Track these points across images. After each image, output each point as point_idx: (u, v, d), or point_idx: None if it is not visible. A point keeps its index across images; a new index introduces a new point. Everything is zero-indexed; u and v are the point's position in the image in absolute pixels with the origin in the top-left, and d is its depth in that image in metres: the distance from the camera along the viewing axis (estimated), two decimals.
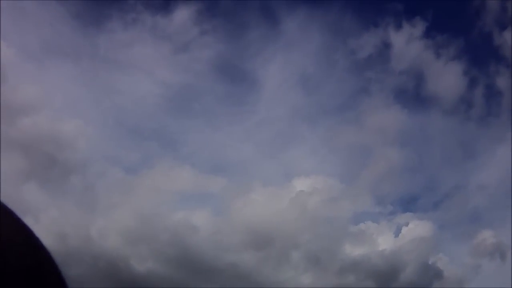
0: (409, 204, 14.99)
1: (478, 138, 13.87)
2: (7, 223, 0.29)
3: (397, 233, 10.70)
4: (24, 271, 0.28)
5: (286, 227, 10.67)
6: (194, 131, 13.76)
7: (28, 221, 1.22)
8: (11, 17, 12.93)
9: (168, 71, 13.02)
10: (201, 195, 13.16)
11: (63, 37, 13.16)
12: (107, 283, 9.10)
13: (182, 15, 11.79)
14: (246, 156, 13.76)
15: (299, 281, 10.10)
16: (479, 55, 13.60)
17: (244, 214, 10.66)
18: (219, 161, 14.14)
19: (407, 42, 11.66)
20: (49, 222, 9.37)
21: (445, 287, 10.00)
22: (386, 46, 11.96)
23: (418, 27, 11.66)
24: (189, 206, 13.52)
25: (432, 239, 10.79)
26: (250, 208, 10.74)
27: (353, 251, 10.53)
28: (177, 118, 13.53)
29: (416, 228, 10.68)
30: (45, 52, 13.58)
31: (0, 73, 8.80)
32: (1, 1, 10.16)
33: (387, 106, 12.34)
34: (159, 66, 13.20)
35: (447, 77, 12.09)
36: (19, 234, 0.29)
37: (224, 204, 12.75)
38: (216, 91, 13.50)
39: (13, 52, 11.23)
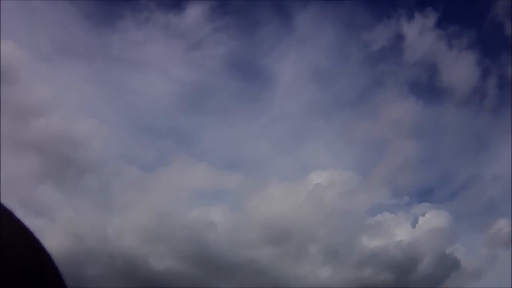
0: (425, 195, 14.89)
1: (492, 129, 13.75)
2: (8, 224, 0.30)
3: (414, 223, 10.73)
4: (24, 272, 0.28)
5: (303, 222, 10.71)
6: (209, 128, 13.81)
7: (44, 221, 1.21)
8: (22, 18, 13.09)
9: (182, 69, 13.10)
10: (217, 192, 13.23)
11: (76, 37, 13.26)
12: (125, 282, 9.19)
13: (194, 12, 11.83)
14: (262, 152, 13.80)
15: (317, 275, 10.15)
16: (492, 46, 13.55)
17: (261, 209, 10.73)
18: (235, 158, 14.19)
19: (419, 34, 11.63)
20: (65, 222, 9.47)
21: (462, 277, 10.04)
22: (399, 38, 11.95)
23: (430, 18, 11.62)
24: (206, 203, 13.59)
25: (449, 230, 10.79)
26: (267, 203, 10.80)
27: (371, 243, 10.56)
28: (192, 115, 13.58)
29: (432, 219, 10.69)
30: (58, 53, 13.70)
31: (0, 73, 8.85)
32: (13, 1, 10.28)
33: (401, 99, 12.35)
34: (172, 64, 13.28)
35: (460, 68, 12.05)
36: (19, 235, 0.30)
37: (241, 200, 12.81)
38: (230, 88, 13.56)
39: (25, 53, 11.35)
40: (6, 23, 12.43)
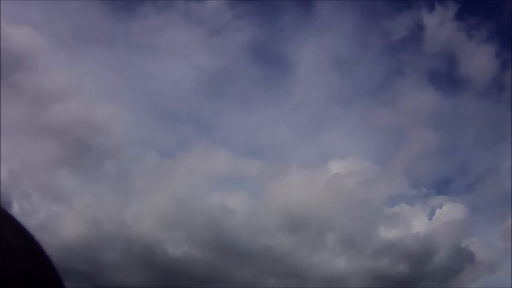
0: (442, 186, 14.91)
1: (510, 121, 13.70)
2: (7, 227, 0.31)
3: (431, 215, 10.73)
4: (23, 275, 0.29)
5: (322, 210, 10.75)
6: (229, 115, 13.89)
7: (62, 207, 1.38)
8: (41, 4, 13.24)
9: (203, 56, 13.15)
10: (236, 178, 13.30)
11: (95, 23, 13.39)
12: (142, 268, 9.36)
13: None
14: (281, 139, 13.85)
15: (334, 264, 10.20)
16: (511, 38, 13.50)
17: (280, 197, 10.77)
18: (255, 144, 14.27)
19: (439, 24, 11.65)
20: (83, 208, 9.64)
21: (476, 270, 10.07)
22: (419, 28, 11.95)
23: (450, 9, 11.57)
24: (225, 189, 13.70)
25: (465, 222, 10.78)
26: (286, 191, 10.84)
27: (388, 233, 10.57)
28: (212, 101, 13.69)
29: (449, 211, 10.68)
30: (77, 39, 13.85)
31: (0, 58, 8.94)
32: None
33: (420, 88, 12.28)
34: (193, 50, 13.36)
35: (479, 59, 12.01)
36: (19, 238, 0.31)
37: (260, 187, 12.90)
38: (251, 75, 13.62)
39: (44, 40, 11.50)
40: (25, 9, 12.66)
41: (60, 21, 13.43)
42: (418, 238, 10.25)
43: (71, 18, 13.45)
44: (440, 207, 10.74)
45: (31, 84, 10.24)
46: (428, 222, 10.56)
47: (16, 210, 8.70)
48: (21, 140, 10.53)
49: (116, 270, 9.01)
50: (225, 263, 9.91)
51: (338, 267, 9.94)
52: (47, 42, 12.06)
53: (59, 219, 9.28)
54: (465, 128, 13.87)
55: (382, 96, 13.62)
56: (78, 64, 13.39)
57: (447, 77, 13.50)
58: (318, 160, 14.61)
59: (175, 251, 9.56)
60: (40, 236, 1.32)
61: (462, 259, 10.37)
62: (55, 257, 0.33)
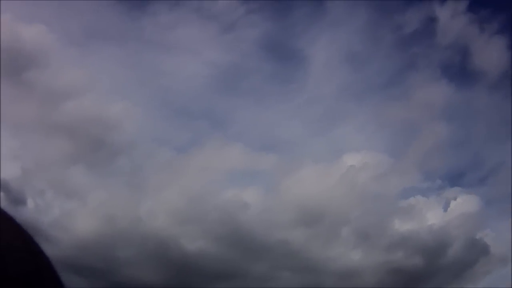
0: (456, 179, 14.82)
1: None
2: (7, 229, 0.31)
3: (445, 208, 10.69)
4: (23, 276, 0.29)
5: (336, 204, 10.71)
6: (243, 110, 13.87)
7: (76, 204, 1.38)
8: (53, 3, 13.27)
9: (215, 51, 13.17)
10: (251, 173, 13.32)
11: (107, 21, 13.44)
12: (157, 263, 9.40)
13: None
14: (295, 134, 13.82)
15: (348, 258, 10.20)
16: None
17: (294, 191, 10.76)
18: (269, 139, 14.24)
19: (451, 17, 11.60)
20: (97, 204, 9.76)
21: (490, 263, 10.02)
22: (431, 21, 11.94)
23: (462, 1, 11.78)
24: (239, 184, 13.70)
25: (479, 214, 10.69)
26: (300, 185, 10.82)
27: (402, 226, 10.55)
28: (226, 97, 13.70)
29: (463, 203, 10.61)
30: (89, 36, 13.92)
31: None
32: None
33: (433, 81, 12.34)
34: (205, 46, 13.39)
35: (491, 51, 11.97)
36: (18, 239, 0.32)
37: (274, 181, 12.89)
38: (264, 70, 13.65)
39: (55, 38, 11.55)
40: (37, 8, 12.72)
41: (71, 19, 13.51)
42: (432, 230, 10.26)
43: (83, 15, 13.52)
44: (455, 199, 10.70)
45: (44, 82, 10.31)
46: (442, 214, 10.53)
47: (30, 207, 8.82)
48: (34, 137, 10.60)
49: (130, 267, 9.04)
50: (240, 258, 9.95)
51: (352, 261, 9.96)
52: (59, 40, 12.13)
53: (73, 216, 9.34)
54: (478, 120, 13.78)
55: (395, 90, 13.65)
56: (90, 62, 13.41)
57: (460, 70, 13.32)
58: (332, 154, 14.65)
59: (189, 246, 9.59)
60: (54, 233, 1.29)
61: (477, 252, 10.31)
62: (69, 254, 0.31)
